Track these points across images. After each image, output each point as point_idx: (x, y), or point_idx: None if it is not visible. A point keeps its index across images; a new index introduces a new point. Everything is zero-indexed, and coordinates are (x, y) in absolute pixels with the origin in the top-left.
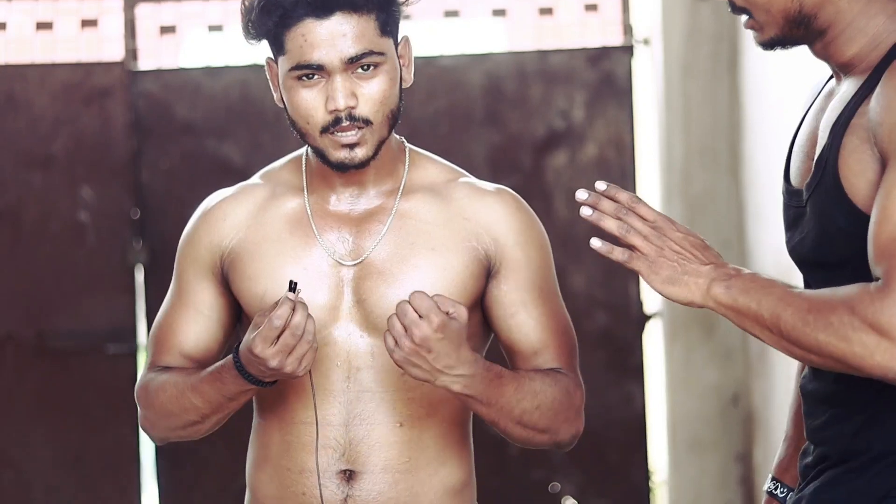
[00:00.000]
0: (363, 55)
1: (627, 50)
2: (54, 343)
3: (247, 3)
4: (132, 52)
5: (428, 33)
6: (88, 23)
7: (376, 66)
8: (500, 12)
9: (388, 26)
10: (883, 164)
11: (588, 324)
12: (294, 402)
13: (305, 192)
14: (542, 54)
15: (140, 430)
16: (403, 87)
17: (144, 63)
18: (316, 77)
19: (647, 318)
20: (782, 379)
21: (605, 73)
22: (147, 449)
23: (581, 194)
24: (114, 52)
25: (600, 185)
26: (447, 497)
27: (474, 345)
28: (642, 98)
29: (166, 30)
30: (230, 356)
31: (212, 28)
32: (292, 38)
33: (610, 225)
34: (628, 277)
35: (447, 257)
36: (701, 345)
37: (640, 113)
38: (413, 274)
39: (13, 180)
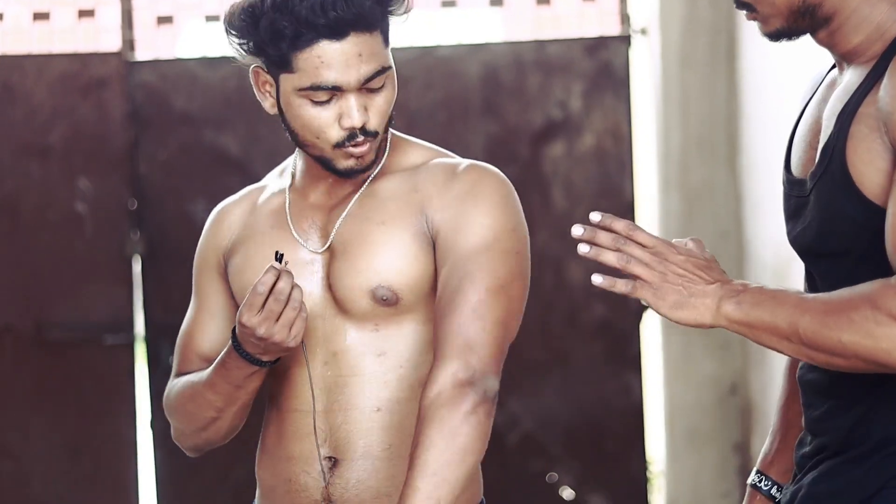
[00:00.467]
0: (377, 74)
1: (625, 40)
2: (52, 334)
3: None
4: (129, 43)
5: (425, 23)
6: (85, 13)
7: (385, 78)
8: (497, 2)
9: (387, 35)
10: (895, 154)
11: (586, 315)
12: (287, 390)
13: (287, 187)
14: (540, 44)
15: (137, 420)
16: None
17: (142, 53)
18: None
19: (645, 308)
20: (780, 369)
21: (603, 64)
22: (145, 439)
23: (577, 230)
24: (111, 42)
25: (595, 217)
26: None
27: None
28: (640, 88)
29: (163, 20)
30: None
31: (209, 18)
32: (306, 59)
33: (610, 258)
34: None
35: (394, 231)
36: (698, 335)
37: (637, 103)
38: (366, 249)
39: (10, 171)
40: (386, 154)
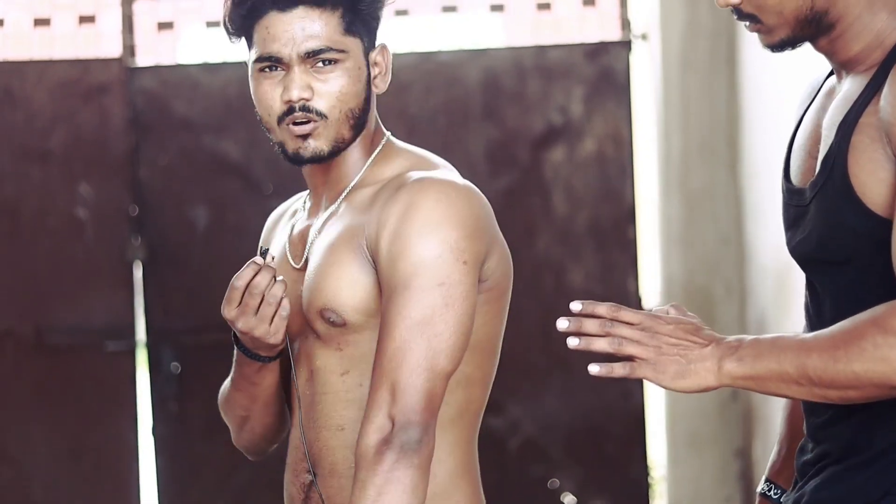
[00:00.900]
0: (321, 51)
1: (625, 45)
2: (53, 339)
3: (226, 2)
4: (130, 49)
5: (426, 29)
6: (86, 19)
7: (335, 62)
8: (497, 7)
9: (355, 26)
10: None
11: None
12: (290, 404)
13: (305, 197)
14: (540, 49)
15: (138, 426)
16: (374, 92)
17: (142, 59)
18: (278, 70)
19: None
20: None
21: (604, 69)
22: (146, 445)
23: (561, 323)
24: (111, 48)
25: (575, 306)
26: None
27: None
28: (640, 93)
29: (164, 26)
30: None
31: (209, 24)
32: (258, 31)
33: (601, 345)
34: (626, 273)
35: (339, 251)
36: None
37: (638, 108)
38: (317, 270)
39: (11, 176)
40: (368, 164)
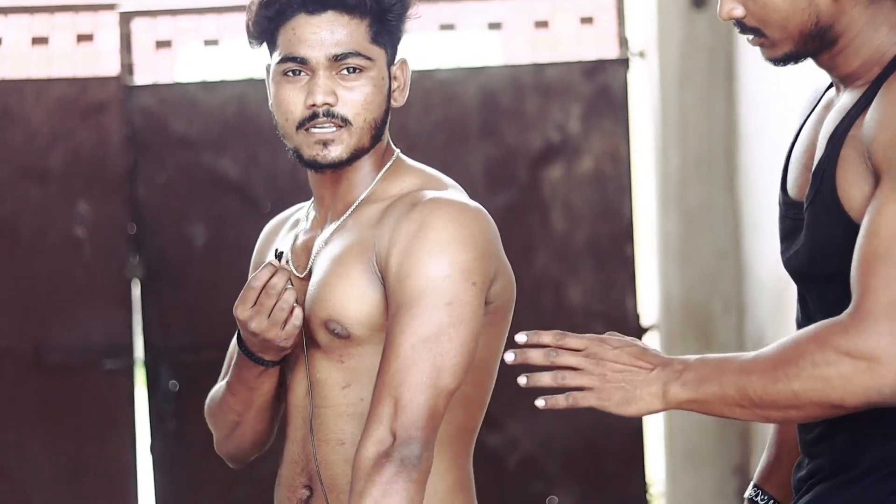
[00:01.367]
0: (348, 55)
1: (623, 63)
2: (51, 357)
3: (251, 7)
4: (128, 67)
5: (424, 47)
6: (84, 38)
7: (361, 69)
8: (495, 25)
9: (381, 36)
10: (877, 179)
11: None
12: (286, 417)
13: (307, 207)
14: (538, 67)
15: (137, 444)
16: (393, 105)
17: (140, 78)
18: (301, 73)
19: (644, 330)
20: None
21: (601, 86)
22: (144, 463)
23: (508, 356)
24: (110, 66)
25: (520, 338)
26: None
27: None
28: (638, 111)
29: (162, 44)
30: None
31: (207, 42)
32: (283, 33)
33: (546, 381)
34: (625, 290)
35: (347, 265)
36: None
37: (636, 125)
38: (323, 281)
39: (10, 195)
40: (378, 179)
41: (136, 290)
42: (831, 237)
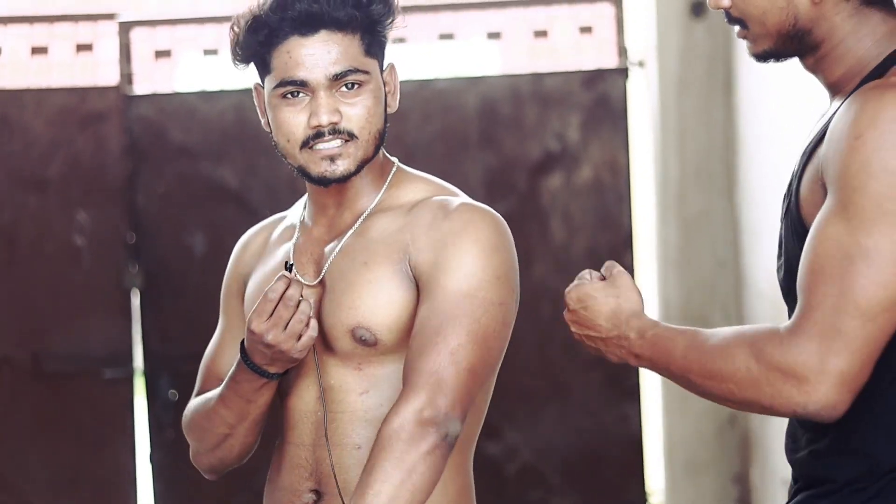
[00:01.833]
0: (347, 73)
1: (622, 72)
2: (50, 366)
3: (235, 28)
4: (127, 77)
5: (423, 56)
6: (83, 47)
7: (360, 84)
8: (494, 35)
9: (373, 48)
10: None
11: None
12: (287, 422)
13: (300, 218)
14: (537, 77)
15: (136, 453)
16: (388, 112)
17: (139, 87)
18: (300, 95)
19: None
20: None
21: (600, 96)
22: (144, 473)
23: None
24: (109, 76)
25: None
26: None
27: None
28: (637, 120)
29: (161, 54)
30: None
31: (207, 52)
32: (277, 56)
33: None
34: None
35: (375, 271)
36: None
37: (635, 135)
38: (348, 288)
39: (9, 204)
40: (385, 188)
41: (135, 300)
42: (798, 254)
